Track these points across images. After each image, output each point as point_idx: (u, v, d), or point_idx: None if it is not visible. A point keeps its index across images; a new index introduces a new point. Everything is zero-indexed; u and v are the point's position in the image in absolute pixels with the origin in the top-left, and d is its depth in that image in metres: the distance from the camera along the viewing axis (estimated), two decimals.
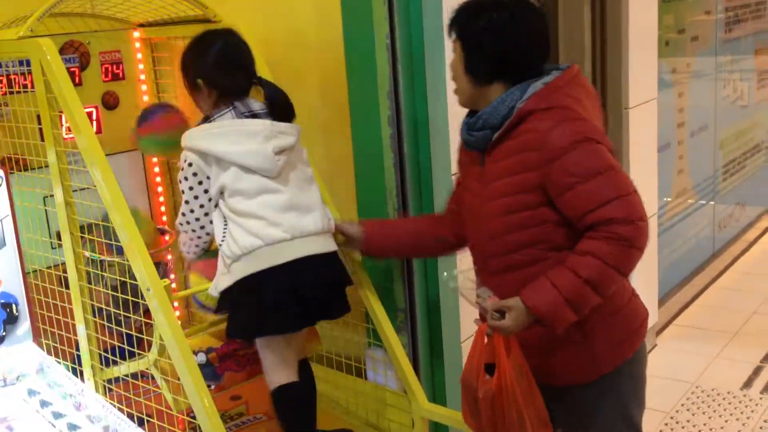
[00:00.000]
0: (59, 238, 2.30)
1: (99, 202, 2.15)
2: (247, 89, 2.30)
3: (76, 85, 2.40)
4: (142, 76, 2.96)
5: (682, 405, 3.62)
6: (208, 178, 2.20)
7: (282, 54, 2.74)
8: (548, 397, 1.98)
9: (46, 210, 2.42)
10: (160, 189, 3.07)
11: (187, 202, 2.23)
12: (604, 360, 2.01)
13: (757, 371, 3.89)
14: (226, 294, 2.21)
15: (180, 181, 2.24)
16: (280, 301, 2.17)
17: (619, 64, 3.72)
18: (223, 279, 2.21)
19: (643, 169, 3.91)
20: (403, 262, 2.60)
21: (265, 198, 2.19)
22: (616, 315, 2.01)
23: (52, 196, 2.28)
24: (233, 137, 2.19)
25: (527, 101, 1.91)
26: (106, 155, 2.17)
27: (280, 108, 2.28)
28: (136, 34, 2.93)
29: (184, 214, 2.26)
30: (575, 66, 2.01)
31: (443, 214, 2.32)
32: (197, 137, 2.22)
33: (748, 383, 3.79)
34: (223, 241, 2.20)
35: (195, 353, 2.28)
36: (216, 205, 2.22)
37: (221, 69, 2.26)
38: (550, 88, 1.93)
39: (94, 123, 2.79)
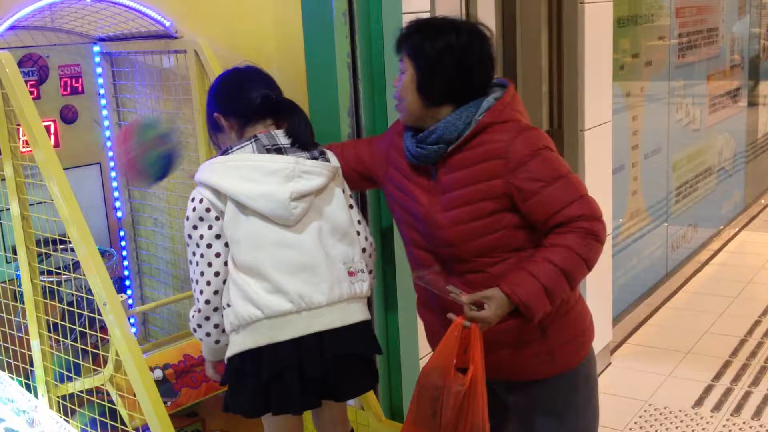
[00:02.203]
0: (15, 253, 2.27)
1: (56, 216, 2.14)
2: (272, 111, 2.06)
3: (34, 98, 2.39)
4: (102, 91, 2.95)
5: (635, 423, 3.67)
6: (217, 219, 1.94)
7: None
8: (509, 390, 2.07)
9: (1, 224, 2.40)
10: (117, 204, 3.06)
11: (197, 262, 1.95)
12: (561, 356, 2.09)
13: (707, 390, 3.96)
14: (229, 363, 2.02)
15: (189, 236, 1.96)
16: (281, 380, 1.95)
17: (575, 86, 3.79)
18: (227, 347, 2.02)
19: (598, 190, 3.97)
20: None
21: (275, 252, 1.94)
22: (568, 314, 2.09)
23: (8, 209, 2.26)
24: (247, 172, 1.94)
25: (484, 115, 1.99)
26: (64, 169, 2.16)
27: (301, 136, 2.05)
28: (96, 48, 2.92)
29: (197, 280, 1.97)
30: (511, 84, 2.09)
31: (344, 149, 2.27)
32: (209, 169, 1.98)
33: (699, 402, 3.85)
34: (228, 306, 1.97)
35: (152, 369, 2.27)
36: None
37: (234, 94, 2.06)
38: (502, 103, 2.01)
39: (52, 137, 2.77)
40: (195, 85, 2.67)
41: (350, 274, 2.05)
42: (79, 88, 2.89)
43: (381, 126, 2.57)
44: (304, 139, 2.05)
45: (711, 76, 5.92)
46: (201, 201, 1.94)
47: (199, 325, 2.00)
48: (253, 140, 2.00)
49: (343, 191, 2.12)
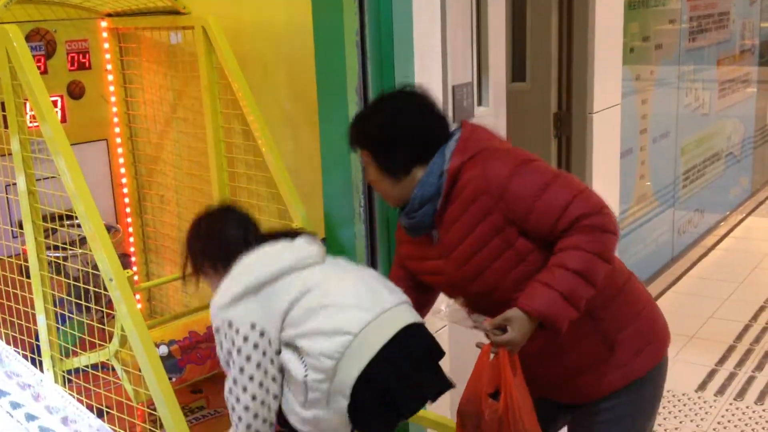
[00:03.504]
0: (21, 227, 2.27)
1: (63, 191, 2.14)
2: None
3: (41, 73, 2.38)
4: (109, 66, 2.94)
5: None
6: (264, 336, 1.85)
7: (251, 47, 2.74)
8: (576, 413, 2.03)
9: (8, 198, 2.40)
10: (124, 180, 3.06)
11: (251, 377, 1.84)
12: (631, 367, 2.02)
13: (711, 374, 3.97)
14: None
15: (231, 353, 1.85)
16: (399, 384, 1.87)
17: (585, 69, 3.77)
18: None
19: (606, 174, 3.96)
20: (370, 255, 2.61)
21: (327, 287, 1.90)
22: (633, 323, 2.03)
23: (14, 184, 2.25)
24: (258, 259, 1.91)
25: (451, 161, 1.96)
26: (71, 145, 2.15)
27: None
28: (104, 23, 2.91)
29: (243, 389, 1.84)
30: (467, 121, 2.07)
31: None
32: (229, 292, 1.88)
33: (702, 386, 3.86)
34: (306, 373, 1.83)
35: (157, 345, 2.27)
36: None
37: (216, 243, 2.02)
38: (463, 141, 1.98)
39: (59, 112, 2.77)
40: (202, 62, 2.65)
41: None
42: (87, 64, 2.88)
43: None
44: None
45: (721, 61, 5.88)
46: (237, 331, 1.83)
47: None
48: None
49: None
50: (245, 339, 1.83)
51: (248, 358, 1.83)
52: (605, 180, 3.95)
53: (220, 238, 2.03)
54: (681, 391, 3.79)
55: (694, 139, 5.51)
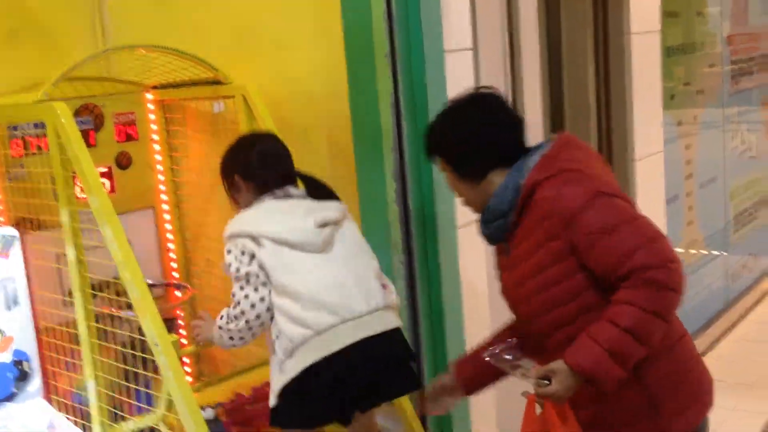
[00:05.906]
0: (71, 296, 2.34)
1: (110, 260, 2.20)
2: (287, 182, 2.23)
3: (90, 146, 2.47)
4: (155, 137, 3.04)
5: None
6: (253, 256, 2.08)
7: (291, 113, 2.81)
8: None
9: (59, 268, 2.47)
10: (171, 246, 3.12)
11: (241, 287, 2.09)
12: (671, 428, 1.94)
13: None
14: (284, 393, 2.07)
15: (228, 270, 2.12)
16: (334, 391, 2.04)
17: (624, 117, 3.77)
18: (279, 380, 2.07)
19: (651, 220, 3.93)
20: (411, 314, 2.61)
21: (309, 276, 2.07)
22: (682, 382, 1.95)
23: (65, 254, 2.33)
24: (271, 216, 2.13)
25: (528, 175, 1.92)
26: (119, 214, 2.23)
27: (320, 191, 2.23)
28: (149, 96, 3.01)
29: (238, 303, 2.09)
30: (565, 133, 2.04)
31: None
32: (236, 224, 2.15)
33: None
34: (277, 338, 2.07)
35: (203, 408, 2.30)
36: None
37: (259, 163, 2.21)
38: (547, 158, 1.94)
39: (108, 182, 2.86)
40: (244, 129, 2.73)
41: (384, 287, 2.18)
42: (134, 135, 2.98)
43: (425, 162, 2.59)
44: (324, 192, 2.24)
45: (766, 102, 5.81)
46: (230, 251, 2.12)
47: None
48: (270, 193, 2.18)
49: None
50: (247, 264, 2.09)
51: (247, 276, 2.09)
52: None
53: (270, 166, 2.21)
54: None
55: (743, 182, 5.43)
